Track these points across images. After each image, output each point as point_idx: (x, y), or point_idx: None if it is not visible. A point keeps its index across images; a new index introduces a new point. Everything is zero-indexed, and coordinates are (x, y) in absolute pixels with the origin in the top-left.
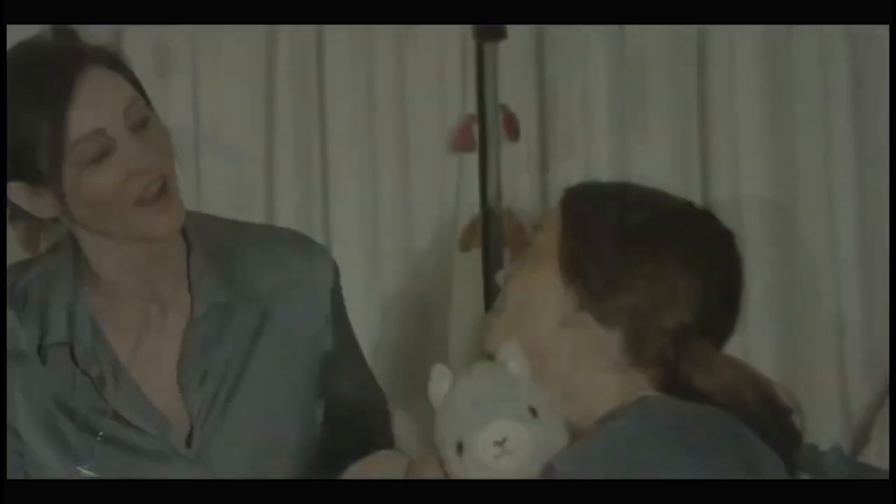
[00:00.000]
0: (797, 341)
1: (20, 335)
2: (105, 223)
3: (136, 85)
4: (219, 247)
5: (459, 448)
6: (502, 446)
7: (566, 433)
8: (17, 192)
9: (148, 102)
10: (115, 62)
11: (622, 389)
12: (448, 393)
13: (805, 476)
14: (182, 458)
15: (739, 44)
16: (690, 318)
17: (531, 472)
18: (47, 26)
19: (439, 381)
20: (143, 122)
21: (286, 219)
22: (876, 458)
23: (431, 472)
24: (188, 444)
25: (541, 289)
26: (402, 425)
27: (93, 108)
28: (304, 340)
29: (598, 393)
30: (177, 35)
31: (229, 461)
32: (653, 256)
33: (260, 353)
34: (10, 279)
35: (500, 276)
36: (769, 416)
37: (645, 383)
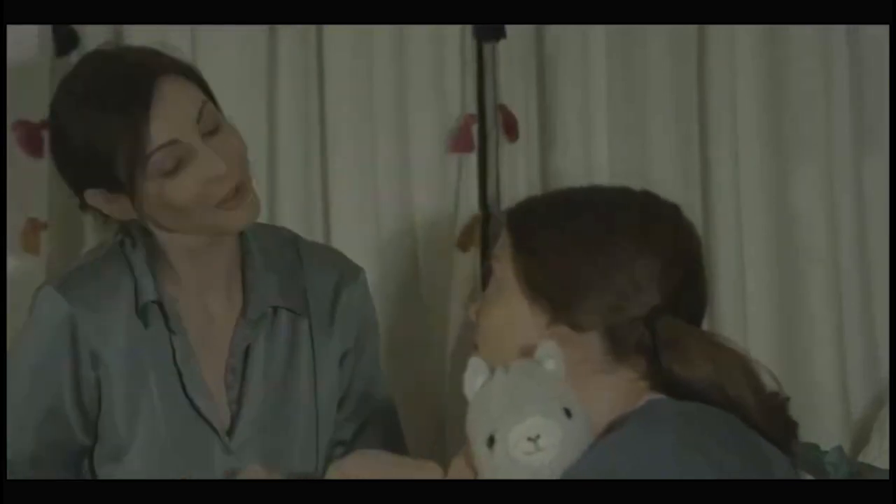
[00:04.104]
0: (797, 341)
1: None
2: (184, 224)
3: (205, 89)
4: (276, 254)
5: (490, 441)
6: (535, 443)
7: (593, 437)
8: (95, 198)
9: (216, 106)
10: (186, 69)
11: (614, 389)
12: (483, 386)
13: (806, 476)
14: (222, 446)
15: (739, 43)
16: (659, 300)
17: (558, 471)
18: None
19: (475, 375)
20: (216, 127)
21: (287, 218)
22: (876, 458)
23: (457, 467)
24: (230, 434)
25: (509, 316)
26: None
27: (168, 119)
28: (334, 356)
29: (591, 397)
30: (177, 35)
31: (262, 457)
32: (604, 250)
33: (297, 364)
34: (96, 251)
35: (472, 311)
36: (759, 405)
37: (633, 377)
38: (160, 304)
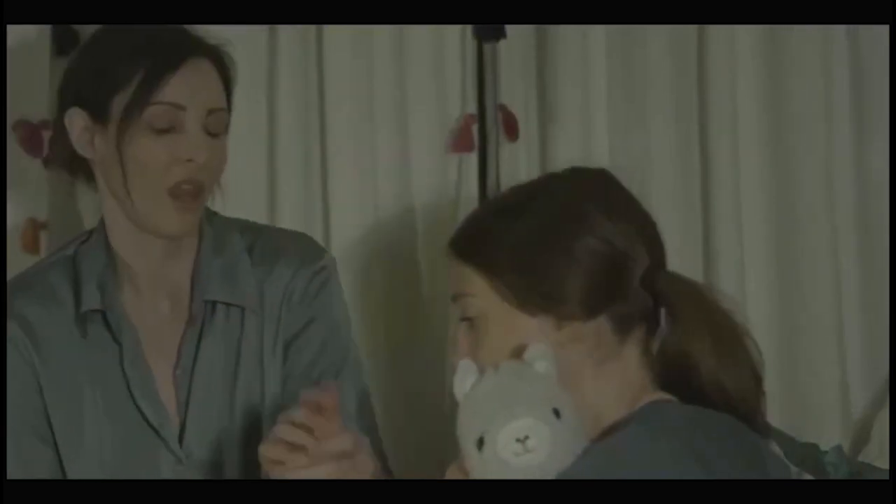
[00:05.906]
0: (797, 341)
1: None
2: (132, 191)
3: (229, 94)
4: (229, 248)
5: (480, 443)
6: (524, 444)
7: (585, 437)
8: (75, 119)
9: (229, 118)
10: (222, 64)
11: (620, 379)
12: (473, 387)
13: (806, 476)
14: (171, 454)
15: (739, 43)
16: (648, 260)
17: (548, 472)
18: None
19: (465, 376)
20: (217, 134)
21: (287, 218)
22: (876, 458)
23: (452, 471)
24: (180, 441)
25: (520, 338)
26: (398, 427)
27: (186, 87)
28: (280, 347)
29: (597, 390)
30: None
31: (212, 465)
32: (584, 231)
33: (246, 361)
34: (48, 258)
35: (459, 357)
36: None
37: (638, 362)
38: (104, 314)
